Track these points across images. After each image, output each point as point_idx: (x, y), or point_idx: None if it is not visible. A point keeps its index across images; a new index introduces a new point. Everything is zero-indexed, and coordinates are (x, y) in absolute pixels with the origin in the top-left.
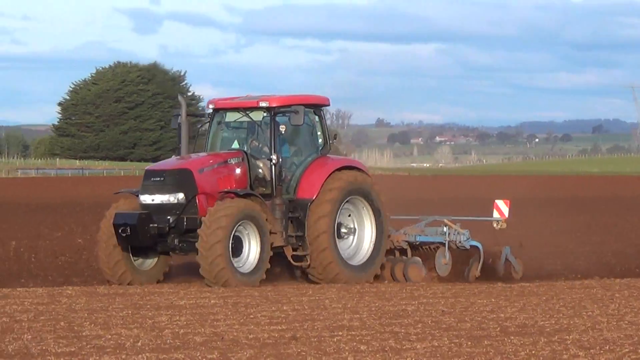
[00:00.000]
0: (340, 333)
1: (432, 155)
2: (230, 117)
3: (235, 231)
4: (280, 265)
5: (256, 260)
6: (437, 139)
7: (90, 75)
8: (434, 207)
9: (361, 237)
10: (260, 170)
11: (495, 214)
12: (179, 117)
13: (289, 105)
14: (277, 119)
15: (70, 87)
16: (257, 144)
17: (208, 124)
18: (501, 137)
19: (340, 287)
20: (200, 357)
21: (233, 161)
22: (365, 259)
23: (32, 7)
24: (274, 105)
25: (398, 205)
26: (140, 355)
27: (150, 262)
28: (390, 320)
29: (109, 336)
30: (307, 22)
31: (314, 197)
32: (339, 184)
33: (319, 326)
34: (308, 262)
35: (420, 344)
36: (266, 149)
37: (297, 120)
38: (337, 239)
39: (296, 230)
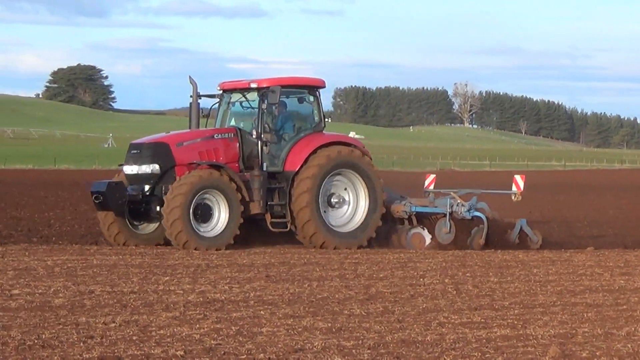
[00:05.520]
0: None
1: None
2: (235, 97)
3: (204, 200)
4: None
5: (223, 226)
6: None
7: None
8: None
9: (357, 207)
10: (257, 147)
11: (514, 188)
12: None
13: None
14: (282, 99)
15: None
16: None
17: (218, 104)
18: None
19: None
20: None
21: (221, 136)
22: (355, 227)
23: None
24: (263, 86)
25: None
26: None
27: (152, 227)
28: None
29: None
30: None
31: (296, 170)
32: (317, 161)
33: None
34: (288, 228)
35: None
36: (266, 127)
37: (273, 99)
38: (329, 208)
39: (280, 199)
